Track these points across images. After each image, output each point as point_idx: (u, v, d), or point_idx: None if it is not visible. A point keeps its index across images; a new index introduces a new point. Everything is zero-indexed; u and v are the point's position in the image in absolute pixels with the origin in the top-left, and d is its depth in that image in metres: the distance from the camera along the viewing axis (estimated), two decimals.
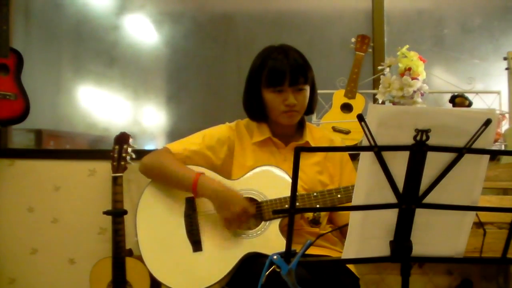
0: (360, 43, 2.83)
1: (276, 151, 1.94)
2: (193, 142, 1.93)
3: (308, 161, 1.92)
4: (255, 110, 1.92)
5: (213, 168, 1.89)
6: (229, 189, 1.80)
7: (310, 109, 1.95)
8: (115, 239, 2.60)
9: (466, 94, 2.66)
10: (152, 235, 1.86)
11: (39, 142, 3.24)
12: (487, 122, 1.14)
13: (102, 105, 3.16)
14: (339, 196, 1.77)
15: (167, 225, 1.85)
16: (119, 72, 3.17)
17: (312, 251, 1.69)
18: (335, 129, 2.71)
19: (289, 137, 1.95)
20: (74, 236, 2.93)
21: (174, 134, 3.06)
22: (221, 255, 1.78)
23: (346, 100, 2.78)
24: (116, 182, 2.65)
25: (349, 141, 2.67)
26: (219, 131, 1.97)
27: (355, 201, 1.19)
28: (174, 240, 1.82)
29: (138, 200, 1.90)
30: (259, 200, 1.81)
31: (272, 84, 1.84)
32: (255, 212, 1.78)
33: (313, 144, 1.94)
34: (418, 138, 1.13)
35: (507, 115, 2.69)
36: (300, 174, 1.18)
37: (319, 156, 1.95)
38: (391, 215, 1.20)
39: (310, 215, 1.86)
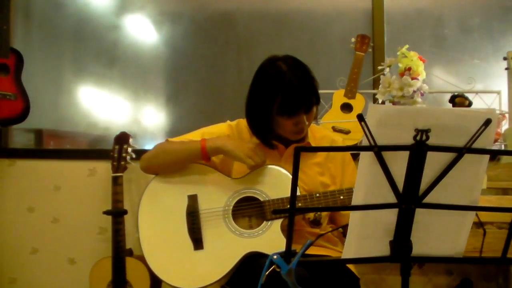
0: (360, 43, 2.83)
1: (277, 152, 1.93)
2: (192, 139, 1.92)
3: (309, 162, 1.91)
4: (264, 131, 1.89)
5: (212, 166, 1.89)
6: (233, 137, 1.89)
7: None
8: (115, 239, 2.60)
9: (466, 94, 2.65)
10: (153, 232, 1.86)
11: (39, 142, 3.23)
12: (487, 122, 1.14)
13: (102, 105, 3.16)
14: (341, 197, 1.76)
15: (168, 223, 1.85)
16: (119, 72, 3.16)
17: (312, 251, 1.68)
18: (335, 129, 2.71)
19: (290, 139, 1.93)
20: (74, 236, 2.93)
21: (174, 134, 3.02)
22: (222, 254, 1.78)
23: (346, 100, 2.78)
24: (116, 182, 2.65)
25: (349, 141, 2.66)
26: (218, 128, 1.97)
27: (354, 201, 1.20)
28: (176, 237, 1.82)
29: (140, 199, 1.90)
30: (261, 199, 1.81)
31: (287, 114, 1.78)
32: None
33: (314, 145, 1.93)
34: (418, 138, 1.13)
35: (507, 115, 2.69)
36: (301, 175, 1.19)
37: (320, 156, 1.94)
38: (391, 215, 1.21)
39: (311, 215, 1.85)
